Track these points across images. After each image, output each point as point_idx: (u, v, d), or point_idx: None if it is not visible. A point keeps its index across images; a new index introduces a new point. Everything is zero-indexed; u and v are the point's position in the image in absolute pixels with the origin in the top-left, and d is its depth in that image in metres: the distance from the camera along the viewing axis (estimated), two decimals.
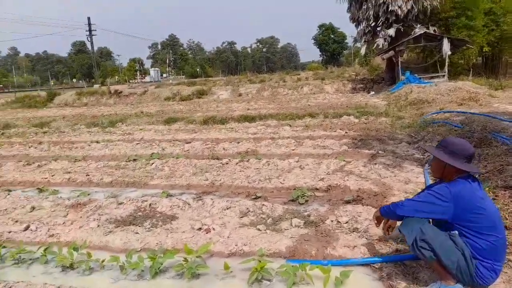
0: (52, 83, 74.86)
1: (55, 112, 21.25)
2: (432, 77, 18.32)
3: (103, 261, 3.19)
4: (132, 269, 3.11)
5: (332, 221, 3.77)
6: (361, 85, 22.23)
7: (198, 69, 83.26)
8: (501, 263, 2.36)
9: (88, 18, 45.00)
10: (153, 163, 6.86)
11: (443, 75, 18.31)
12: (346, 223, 3.70)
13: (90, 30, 44.75)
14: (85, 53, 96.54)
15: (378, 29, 20.16)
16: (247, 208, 4.24)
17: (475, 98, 11.11)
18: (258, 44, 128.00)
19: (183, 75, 72.84)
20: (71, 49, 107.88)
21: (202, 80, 43.35)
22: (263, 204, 4.29)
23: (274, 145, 7.82)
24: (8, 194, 5.44)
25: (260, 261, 2.88)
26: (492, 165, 4.64)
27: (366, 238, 3.35)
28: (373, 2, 18.88)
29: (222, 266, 3.04)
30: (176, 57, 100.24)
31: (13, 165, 7.49)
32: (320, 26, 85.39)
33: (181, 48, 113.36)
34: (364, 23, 20.55)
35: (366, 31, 20.59)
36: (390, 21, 19.25)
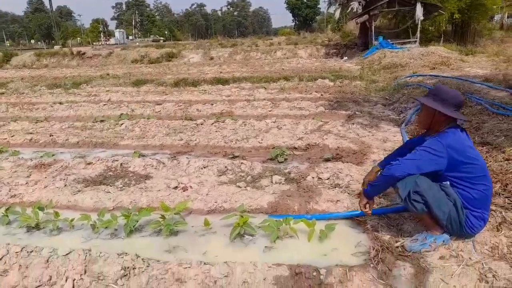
0: (8, 44, 69.51)
1: (12, 73, 19.80)
2: (404, 43, 18.40)
3: (72, 220, 2.96)
4: (105, 227, 2.91)
5: (313, 177, 3.69)
6: (334, 50, 22.05)
7: (166, 32, 79.82)
8: (488, 212, 2.35)
9: None
10: (122, 123, 6.50)
11: (415, 41, 18.43)
12: (327, 179, 3.63)
13: None
14: (43, 12, 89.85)
15: None
16: (225, 167, 4.08)
17: (447, 63, 11.24)
18: (229, 7, 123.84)
19: (150, 37, 69.50)
20: (27, 7, 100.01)
21: (171, 43, 41.63)
22: (241, 163, 4.14)
23: (249, 107, 7.60)
24: None
25: (242, 216, 2.76)
26: (469, 123, 4.68)
27: (348, 193, 3.30)
28: None
29: (201, 223, 2.91)
30: (142, 19, 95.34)
31: None
32: None
33: (148, 9, 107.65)
34: None
35: None
36: None
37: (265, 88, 9.90)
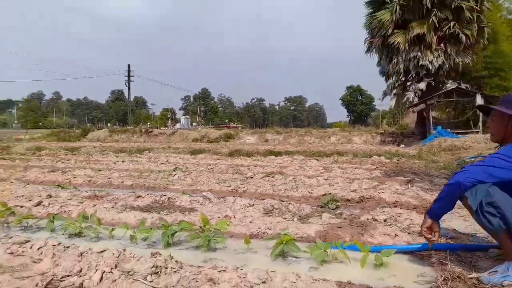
0: (88, 126, 78.29)
1: (87, 144, 21.85)
2: (465, 133, 17.73)
3: (112, 230, 2.91)
4: (143, 239, 2.80)
5: (367, 219, 3.35)
6: (390, 138, 21.78)
7: (226, 121, 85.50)
8: None
9: (128, 65, 48.20)
10: (175, 174, 6.67)
11: (477, 131, 17.67)
12: (384, 221, 3.27)
13: (128, 76, 47.51)
14: (122, 101, 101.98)
15: (408, 83, 20.16)
16: (272, 206, 3.88)
17: None
18: (286, 102, 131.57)
19: (212, 125, 74.83)
20: (109, 96, 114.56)
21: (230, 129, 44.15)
22: (289, 203, 3.94)
23: (301, 170, 7.50)
24: (27, 185, 5.33)
25: (285, 234, 2.52)
26: None
27: (408, 233, 2.92)
28: (404, 56, 19.04)
29: (240, 246, 2.70)
30: (206, 109, 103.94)
31: (38, 171, 7.48)
32: (348, 88, 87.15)
33: (212, 101, 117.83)
34: (394, 77, 20.67)
35: (396, 85, 20.64)
36: (420, 76, 19.24)
37: (318, 160, 9.81)
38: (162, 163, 9.04)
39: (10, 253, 2.42)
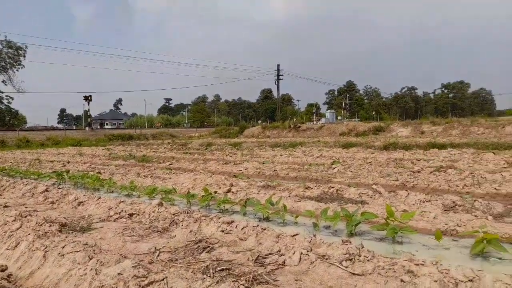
0: (242, 124, 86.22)
1: (244, 140, 24.15)
2: None
3: (296, 216, 3.19)
4: (325, 227, 2.98)
5: None
6: None
7: (373, 113, 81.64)
8: None
9: (278, 65, 51.11)
10: (335, 167, 6.78)
11: None
12: None
13: (278, 75, 50.31)
14: (270, 99, 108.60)
15: None
16: (454, 202, 3.58)
17: None
18: (443, 89, 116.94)
19: (357, 118, 72.52)
20: (259, 96, 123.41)
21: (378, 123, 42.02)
22: (475, 200, 3.55)
23: (477, 165, 6.63)
24: (213, 174, 6.27)
25: (485, 233, 2.31)
26: None
27: None
28: None
29: (428, 242, 2.59)
30: (351, 102, 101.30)
31: (215, 164, 8.67)
32: None
33: (357, 94, 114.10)
34: None
35: None
36: None
37: (494, 153, 8.47)
38: (317, 157, 9.29)
39: (221, 231, 2.93)
